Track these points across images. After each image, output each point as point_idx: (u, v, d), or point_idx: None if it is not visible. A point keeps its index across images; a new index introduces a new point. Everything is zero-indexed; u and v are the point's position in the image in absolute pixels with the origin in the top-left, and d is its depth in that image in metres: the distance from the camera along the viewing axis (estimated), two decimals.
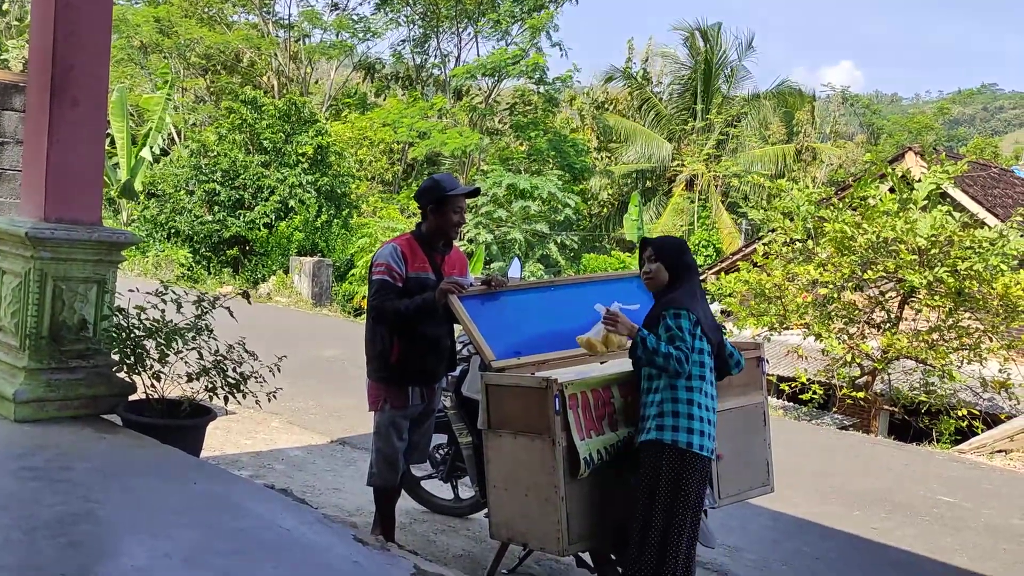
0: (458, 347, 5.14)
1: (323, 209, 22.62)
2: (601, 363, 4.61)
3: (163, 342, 5.03)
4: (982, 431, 11.68)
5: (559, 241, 26.90)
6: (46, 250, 4.92)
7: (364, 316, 17.58)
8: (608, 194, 35.08)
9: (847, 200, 13.09)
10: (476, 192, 5.25)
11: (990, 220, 14.78)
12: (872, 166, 13.57)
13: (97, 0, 5.14)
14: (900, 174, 13.70)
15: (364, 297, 19.55)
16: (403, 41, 33.45)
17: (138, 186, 23.19)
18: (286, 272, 20.46)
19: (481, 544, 5.24)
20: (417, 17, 32.43)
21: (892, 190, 13.00)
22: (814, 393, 12.68)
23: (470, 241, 26.54)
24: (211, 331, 5.19)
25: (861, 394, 12.82)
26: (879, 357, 12.60)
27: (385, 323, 4.57)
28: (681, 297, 4.00)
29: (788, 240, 13.21)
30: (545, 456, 4.06)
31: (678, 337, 3.86)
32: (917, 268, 11.77)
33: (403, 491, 5.22)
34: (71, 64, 5.02)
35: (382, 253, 4.61)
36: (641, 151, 34.28)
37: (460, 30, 32.18)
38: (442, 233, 4.71)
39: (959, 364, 12.25)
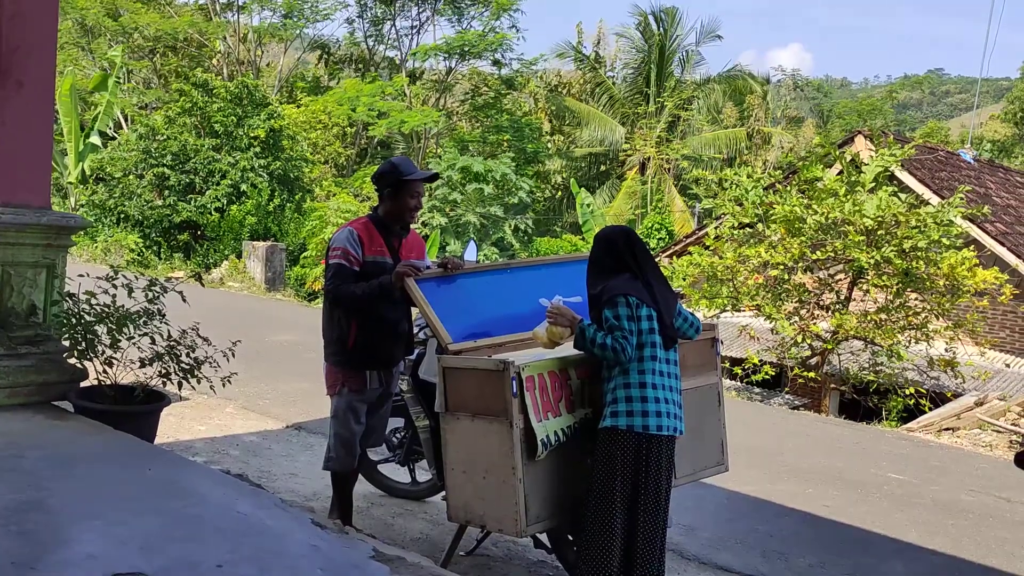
0: (415, 331, 5.13)
1: (276, 193, 22.38)
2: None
3: (114, 327, 4.95)
4: (929, 410, 11.96)
5: (513, 225, 26.91)
6: None
7: (318, 300, 17.38)
8: (562, 177, 35.17)
9: (795, 183, 13.28)
10: (434, 177, 5.21)
11: (936, 201, 15.07)
12: (819, 148, 13.77)
13: None
14: (849, 157, 13.91)
15: (317, 280, 19.44)
16: (357, 18, 33.03)
17: (86, 171, 22.76)
18: (239, 257, 20.23)
19: (439, 527, 5.25)
20: None
21: (841, 173, 13.21)
22: (766, 374, 12.88)
23: (424, 224, 26.43)
24: (163, 316, 5.13)
25: (812, 374, 13.04)
26: (829, 338, 12.82)
27: (342, 307, 4.55)
28: (616, 284, 4.03)
29: (738, 224, 13.38)
30: (503, 438, 4.08)
31: (616, 327, 3.92)
32: (865, 248, 11.99)
33: (360, 475, 5.21)
34: (16, 46, 4.90)
35: (338, 237, 4.58)
36: (594, 135, 34.40)
37: (419, 13, 31.93)
38: (399, 217, 4.69)
39: (907, 344, 12.51)
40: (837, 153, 13.85)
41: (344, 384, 4.66)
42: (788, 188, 13.29)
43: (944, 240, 11.74)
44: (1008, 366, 14.23)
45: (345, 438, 4.70)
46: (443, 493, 4.43)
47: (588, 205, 28.72)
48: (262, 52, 34.31)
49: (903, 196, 12.70)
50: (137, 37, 30.19)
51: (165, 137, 22.20)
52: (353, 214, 20.84)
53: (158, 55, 31.71)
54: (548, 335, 4.26)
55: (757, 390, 13.44)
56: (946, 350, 12.28)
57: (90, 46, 30.75)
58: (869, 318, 12.38)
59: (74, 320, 4.96)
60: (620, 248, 4.15)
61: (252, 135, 22.34)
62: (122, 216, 21.90)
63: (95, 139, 23.36)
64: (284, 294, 18.78)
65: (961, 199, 12.36)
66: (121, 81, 25.00)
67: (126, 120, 28.83)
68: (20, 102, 4.92)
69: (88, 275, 5.20)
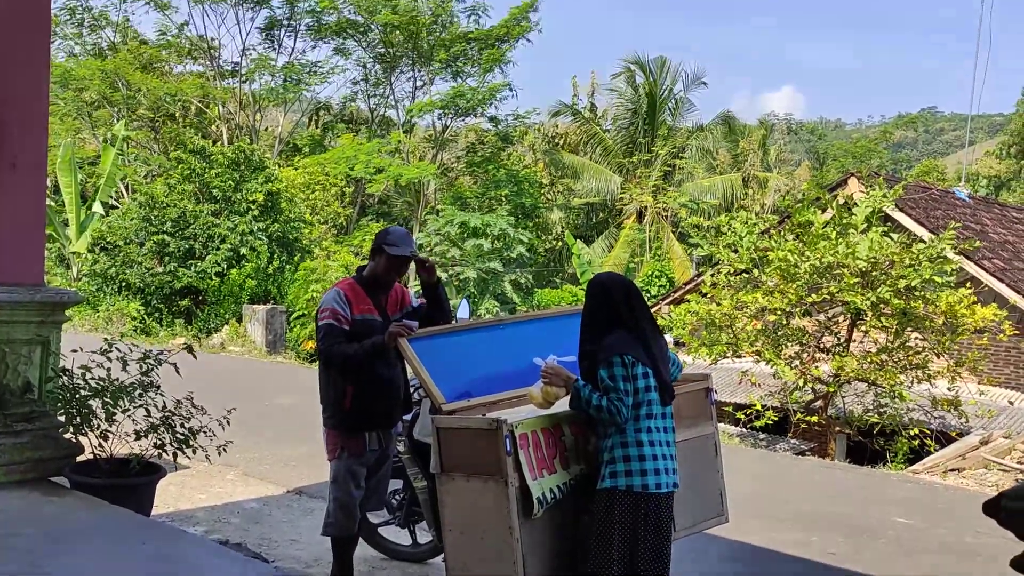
0: (411, 390, 5.15)
1: (275, 255, 22.50)
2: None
3: (110, 401, 4.98)
4: (935, 450, 11.88)
5: (513, 279, 26.99)
6: None
7: (316, 362, 17.35)
8: (561, 227, 35.39)
9: (787, 228, 13.36)
10: (416, 260, 4.97)
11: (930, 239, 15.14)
12: (809, 194, 13.85)
13: (32, 64, 5.13)
14: (842, 200, 14.01)
15: (310, 338, 19.43)
16: (356, 81, 33.55)
17: (88, 240, 22.94)
18: (239, 321, 20.27)
19: None
20: (370, 60, 32.63)
21: (833, 217, 13.29)
22: (769, 420, 12.82)
23: None
24: (158, 388, 5.15)
25: (815, 418, 12.99)
26: (831, 381, 12.78)
27: (335, 368, 4.58)
28: (612, 343, 4.02)
29: (735, 271, 13.43)
30: (498, 497, 4.07)
31: (611, 388, 3.91)
32: (860, 290, 12.01)
33: (361, 539, 5.19)
34: (9, 128, 5.00)
35: (326, 298, 4.64)
36: (590, 185, 34.68)
37: (416, 72, 32.39)
38: (382, 282, 4.76)
39: (909, 384, 12.47)
40: (828, 197, 13.95)
41: (343, 448, 4.67)
42: (782, 233, 13.37)
43: (937, 278, 11.76)
44: (1012, 403, 14.16)
45: (345, 503, 4.70)
46: (444, 554, 4.41)
47: (584, 256, 28.83)
48: (261, 117, 34.76)
49: (896, 236, 12.76)
50: (139, 106, 30.60)
51: (165, 205, 22.40)
52: (351, 273, 20.91)
53: (159, 123, 32.12)
54: (543, 395, 4.26)
55: (762, 436, 13.37)
56: (949, 389, 12.24)
57: (91, 117, 31.18)
58: (869, 359, 12.36)
59: (69, 395, 4.99)
60: (617, 301, 4.14)
61: (250, 199, 22.52)
62: (124, 284, 22.00)
63: (97, 209, 23.61)
64: (285, 356, 18.79)
65: (953, 234, 12.42)
66: (123, 152, 25.30)
67: (127, 189, 29.12)
68: (13, 183, 5.01)
69: (82, 349, 5.23)
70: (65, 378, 5.09)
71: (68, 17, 31.03)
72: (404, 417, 5.07)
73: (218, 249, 21.85)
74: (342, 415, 4.64)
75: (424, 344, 4.61)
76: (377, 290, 4.75)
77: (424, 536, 5.61)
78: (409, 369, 4.75)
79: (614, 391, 3.90)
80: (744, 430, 13.48)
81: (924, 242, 13.13)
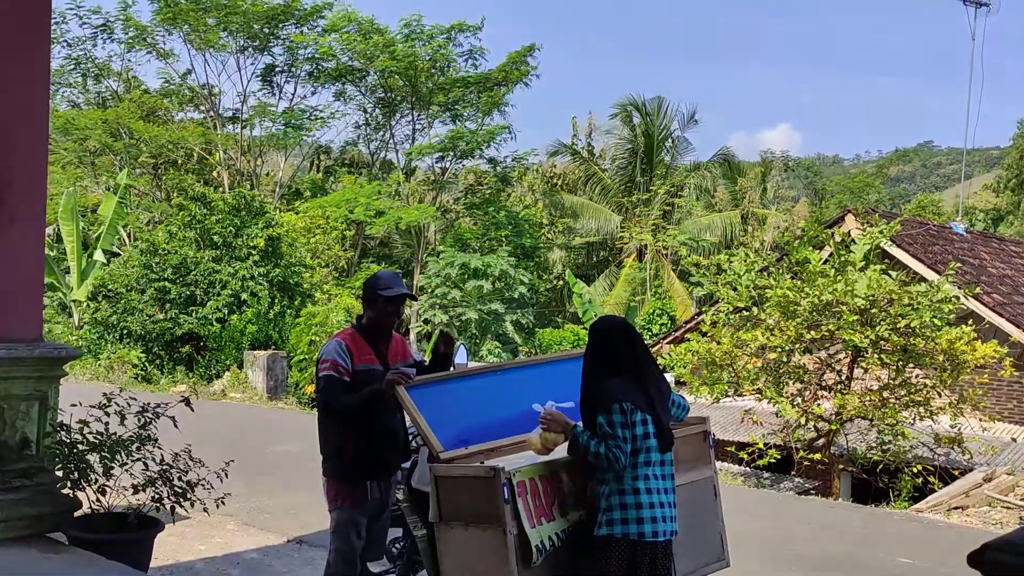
0: (409, 438, 5.15)
1: (276, 300, 22.54)
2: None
3: (107, 455, 4.99)
4: (938, 487, 11.82)
5: (514, 319, 27.03)
6: None
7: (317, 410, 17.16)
8: (562, 266, 35.49)
9: (785, 265, 13.41)
10: (410, 296, 5.10)
11: (932, 276, 15.16)
12: (804, 236, 13.86)
13: (31, 120, 5.21)
14: (839, 237, 14.06)
15: (311, 382, 19.39)
16: (358, 126, 33.85)
17: (90, 288, 23.02)
18: (240, 367, 20.26)
19: None
20: (369, 104, 32.94)
21: (832, 255, 13.34)
22: (772, 458, 12.77)
23: (426, 322, 26.59)
24: (155, 441, 5.16)
25: (818, 456, 12.94)
26: (833, 418, 12.75)
27: (335, 419, 4.59)
28: (612, 389, 4.00)
29: (734, 309, 13.45)
30: (497, 546, 4.06)
31: (609, 435, 3.91)
32: (859, 328, 12.02)
33: None
34: (8, 182, 5.06)
35: (327, 349, 4.66)
36: (589, 225, 34.84)
37: (416, 116, 32.69)
38: (380, 327, 4.78)
39: (911, 421, 12.43)
40: (826, 234, 14.00)
41: (344, 497, 4.66)
42: (780, 271, 13.41)
43: (936, 320, 11.76)
44: (1015, 439, 14.09)
45: (346, 554, 4.68)
46: None
47: (585, 296, 28.90)
48: (263, 162, 35.03)
49: (895, 273, 12.79)
50: (140, 154, 30.85)
51: (166, 251, 22.50)
52: (352, 316, 20.96)
53: (161, 169, 32.37)
54: (541, 441, 4.26)
55: (765, 475, 13.31)
56: (951, 426, 12.20)
57: (94, 165, 31.44)
58: (871, 397, 12.34)
59: (67, 450, 4.99)
60: (617, 345, 4.13)
61: (251, 244, 22.62)
62: (125, 332, 22.02)
63: (99, 256, 23.72)
64: (286, 402, 18.75)
65: (952, 275, 12.45)
66: (125, 200, 25.49)
67: (129, 237, 29.26)
68: (11, 237, 5.05)
69: (80, 403, 5.24)
70: (63, 433, 5.10)
71: (73, 67, 31.40)
72: (403, 465, 5.07)
73: (219, 295, 21.90)
74: (343, 465, 4.64)
75: (422, 392, 4.61)
76: (377, 338, 4.77)
77: None
78: (407, 417, 4.76)
79: (612, 438, 3.90)
80: (747, 469, 13.42)
81: (924, 278, 13.16)
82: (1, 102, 5.09)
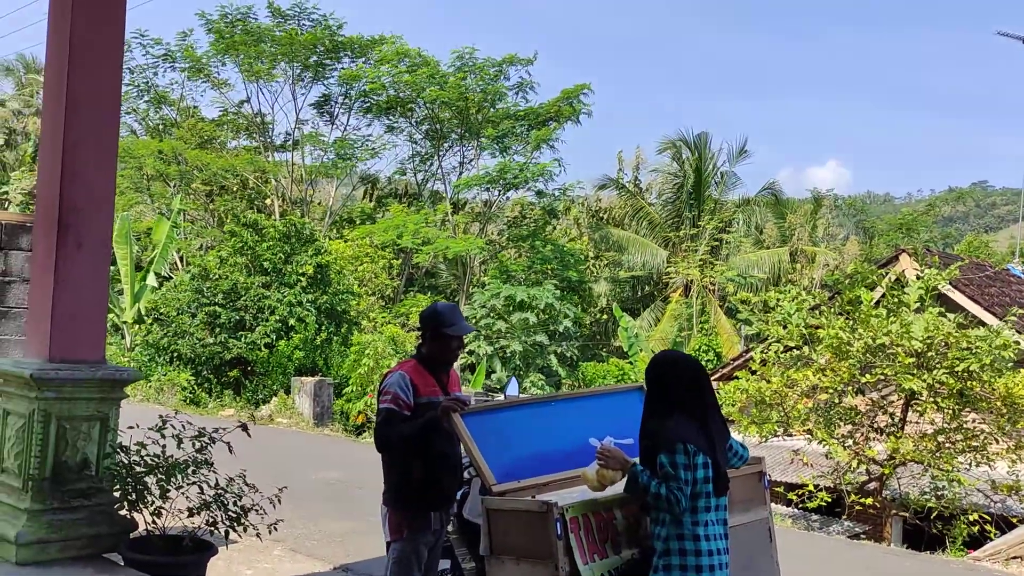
0: (462, 468, 5.13)
1: (323, 327, 22.75)
2: None
3: (163, 478, 5.03)
4: (995, 536, 11.51)
5: (558, 352, 26.95)
6: (50, 390, 4.98)
7: (365, 435, 17.24)
8: (607, 300, 35.40)
9: (837, 305, 13.22)
10: (471, 330, 5.11)
11: (988, 319, 14.86)
12: (857, 275, 13.62)
13: (102, 145, 5.32)
14: (894, 277, 13.86)
15: (361, 414, 19.48)
16: (409, 158, 34.19)
17: (142, 311, 23.44)
18: (287, 392, 20.43)
19: None
20: (419, 136, 33.28)
21: (884, 296, 13.15)
22: (822, 501, 12.53)
23: (470, 353, 26.60)
24: (211, 464, 5.19)
25: (870, 500, 12.67)
26: (885, 462, 12.49)
27: (392, 451, 4.57)
28: (677, 428, 3.88)
29: (785, 347, 13.28)
30: None
31: (671, 476, 3.78)
32: (915, 372, 11.79)
33: None
34: (76, 207, 5.18)
35: (390, 381, 4.63)
36: (636, 259, 34.73)
37: (464, 147, 32.95)
38: (442, 359, 4.78)
39: (967, 467, 12.13)
40: (879, 275, 13.80)
41: (408, 528, 4.62)
42: (831, 309, 13.22)
43: (996, 364, 11.49)
44: None
45: None
46: None
47: (631, 330, 28.75)
48: (313, 191, 35.48)
49: (951, 316, 12.55)
50: (194, 180, 31.45)
51: (217, 276, 22.84)
52: (398, 345, 21.08)
53: (213, 196, 32.95)
54: (598, 477, 4.16)
55: (814, 517, 13.06)
56: (1008, 472, 11.89)
57: (149, 190, 32.12)
58: (926, 441, 12.08)
59: (125, 472, 5.05)
60: (686, 383, 3.99)
61: (300, 271, 22.89)
62: (175, 355, 22.35)
63: (151, 280, 24.17)
64: (332, 429, 18.85)
65: (1014, 320, 12.19)
66: (177, 225, 26.00)
67: (181, 261, 29.75)
68: (79, 261, 5.15)
69: (138, 425, 5.30)
70: (122, 454, 5.16)
71: (136, 94, 32.17)
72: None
73: (267, 320, 22.15)
74: (408, 494, 4.61)
75: (477, 420, 4.57)
76: (439, 369, 4.78)
77: None
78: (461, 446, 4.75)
79: (674, 480, 3.78)
80: (796, 511, 13.18)
81: (981, 321, 12.90)
82: (70, 126, 5.21)
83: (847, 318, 12.78)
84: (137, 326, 23.80)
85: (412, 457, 4.57)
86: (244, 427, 5.32)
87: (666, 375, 4.03)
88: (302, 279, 22.87)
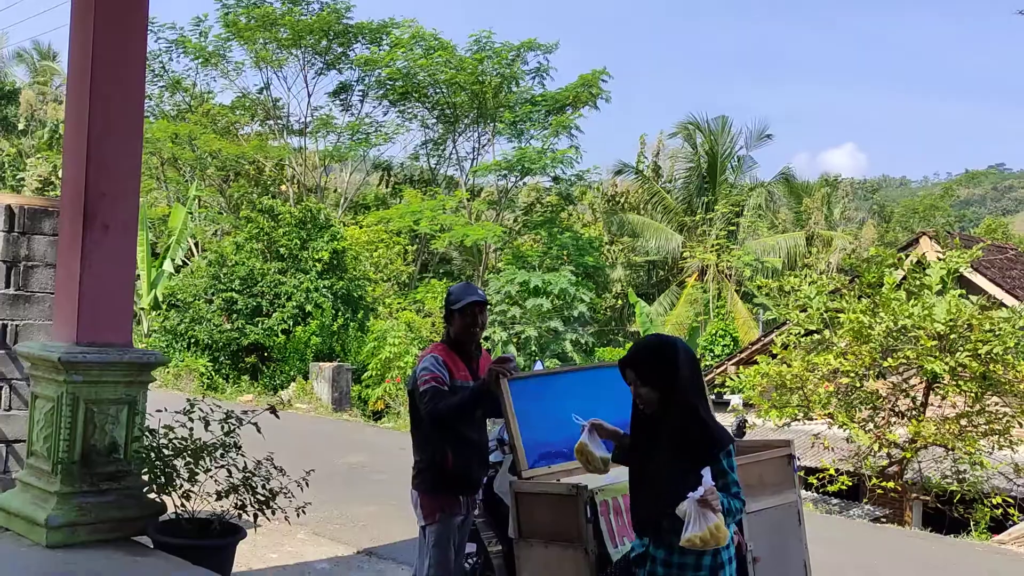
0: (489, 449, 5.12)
1: (339, 313, 22.78)
2: None
3: (192, 461, 5.04)
4: (1018, 519, 11.44)
5: (573, 338, 26.90)
6: (78, 374, 4.98)
7: (384, 420, 17.25)
8: (622, 286, 35.31)
9: (857, 288, 13.13)
10: (484, 302, 4.82)
11: (1010, 301, 14.75)
12: (878, 258, 13.45)
13: (127, 130, 5.31)
14: (916, 260, 13.76)
15: (380, 400, 19.51)
16: (423, 143, 34.05)
17: (159, 297, 23.52)
18: (305, 378, 20.48)
19: None
20: (433, 120, 33.15)
21: (905, 278, 13.04)
22: (843, 485, 12.48)
23: (486, 339, 26.56)
24: (239, 448, 5.19)
25: (891, 484, 12.61)
26: (906, 445, 12.43)
27: (442, 425, 4.54)
28: (719, 427, 3.50)
29: (805, 331, 13.20)
30: (578, 564, 4.02)
31: (733, 482, 3.39)
32: (938, 355, 11.70)
33: None
34: (102, 192, 5.16)
35: (425, 364, 4.63)
36: (651, 244, 34.59)
37: (480, 131, 32.79)
38: (465, 338, 4.75)
39: (990, 450, 12.06)
40: (900, 258, 13.69)
41: (443, 510, 4.62)
42: (851, 293, 13.13)
43: (1020, 347, 11.40)
44: None
45: (446, 567, 4.63)
46: None
47: (647, 315, 28.66)
48: (327, 176, 35.42)
49: (974, 298, 12.44)
50: (209, 166, 31.46)
51: (234, 263, 22.88)
52: (415, 331, 21.12)
53: (229, 182, 32.95)
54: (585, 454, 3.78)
55: (835, 501, 13.02)
56: None
57: (164, 175, 32.15)
58: (948, 424, 12.00)
59: (153, 455, 5.05)
60: (683, 363, 3.50)
61: (316, 257, 22.90)
62: (192, 341, 22.43)
63: (168, 266, 24.23)
64: (350, 414, 18.90)
65: None
66: (193, 212, 26.03)
67: (197, 247, 29.80)
68: (106, 245, 5.14)
69: (166, 409, 5.30)
70: (150, 437, 5.17)
71: (149, 79, 32.14)
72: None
73: (284, 307, 22.20)
74: (443, 478, 4.61)
75: (520, 386, 4.48)
76: (467, 355, 4.75)
77: None
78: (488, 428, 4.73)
79: (735, 484, 3.40)
80: (816, 495, 13.13)
81: (1002, 303, 12.79)
82: (95, 108, 5.19)
83: (868, 301, 12.69)
84: (154, 312, 23.88)
85: (448, 441, 4.56)
86: (273, 410, 5.32)
87: (694, 360, 3.64)
88: (318, 265, 22.89)
